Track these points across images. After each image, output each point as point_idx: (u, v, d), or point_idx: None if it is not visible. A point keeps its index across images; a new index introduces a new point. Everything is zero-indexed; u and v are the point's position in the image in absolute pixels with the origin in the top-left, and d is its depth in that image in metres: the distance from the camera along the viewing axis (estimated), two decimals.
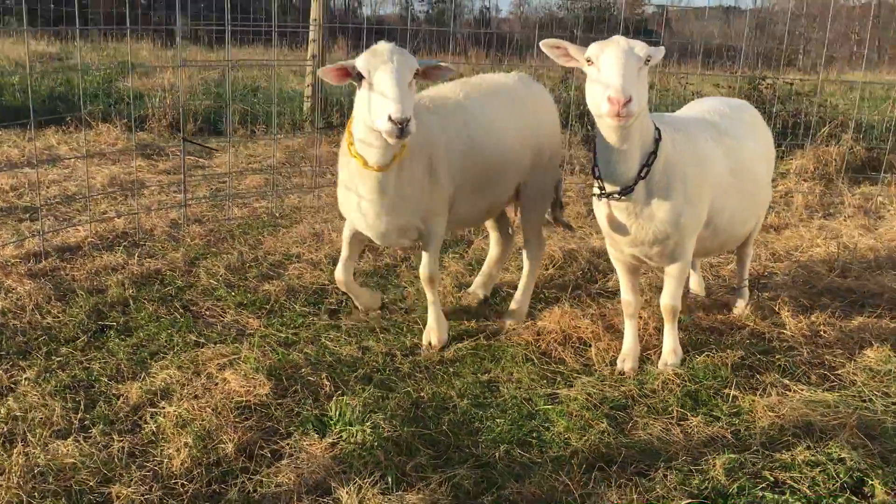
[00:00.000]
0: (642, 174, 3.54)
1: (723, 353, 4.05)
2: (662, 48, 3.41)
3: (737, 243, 4.46)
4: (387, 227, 3.95)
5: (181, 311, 4.57)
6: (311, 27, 9.36)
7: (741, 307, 4.70)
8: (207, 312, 4.59)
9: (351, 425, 3.33)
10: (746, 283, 4.80)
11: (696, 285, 5.01)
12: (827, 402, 3.60)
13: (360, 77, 3.51)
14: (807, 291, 5.06)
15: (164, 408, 3.48)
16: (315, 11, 9.22)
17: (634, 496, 2.90)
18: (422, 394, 3.71)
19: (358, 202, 3.88)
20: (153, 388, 3.65)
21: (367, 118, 3.53)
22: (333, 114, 10.04)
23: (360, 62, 3.51)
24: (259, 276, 5.12)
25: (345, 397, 3.56)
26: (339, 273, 4.31)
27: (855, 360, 4.10)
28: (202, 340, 4.19)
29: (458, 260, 5.57)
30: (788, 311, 4.63)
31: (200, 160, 8.33)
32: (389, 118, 3.34)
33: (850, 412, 3.45)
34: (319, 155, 7.66)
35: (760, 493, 2.96)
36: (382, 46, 3.54)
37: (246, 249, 5.58)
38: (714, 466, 3.11)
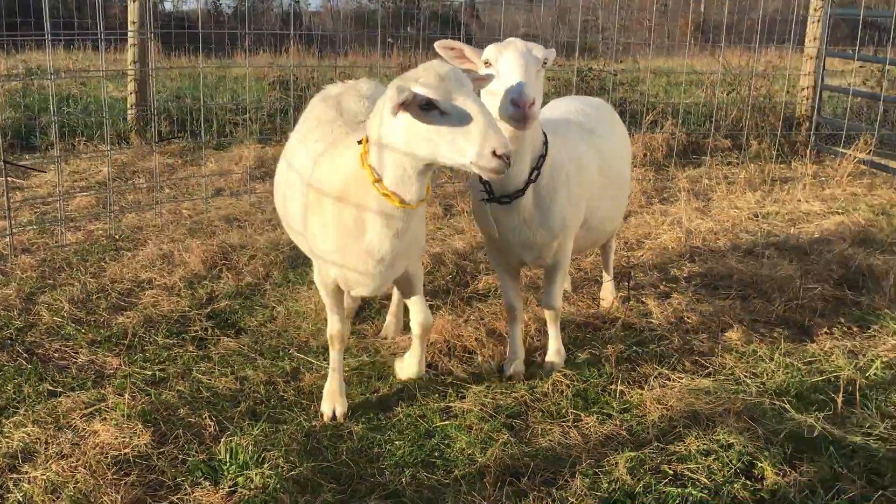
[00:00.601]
0: (532, 177, 3.54)
1: (603, 348, 4.16)
2: (553, 50, 3.42)
3: (606, 239, 4.59)
4: (384, 279, 3.34)
5: (25, 355, 4.11)
6: (130, 31, 8.76)
7: (609, 300, 4.84)
8: (56, 355, 4.16)
9: (247, 468, 3.11)
10: (612, 275, 4.95)
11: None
12: (707, 388, 3.77)
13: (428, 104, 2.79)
14: (664, 278, 5.31)
15: (27, 473, 3.09)
16: (133, 13, 8.63)
17: None
18: (314, 423, 3.53)
19: (364, 250, 3.16)
20: (10, 451, 3.24)
21: (450, 152, 2.77)
22: (162, 122, 9.47)
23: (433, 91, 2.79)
24: (109, 308, 4.70)
25: (234, 437, 3.32)
26: (337, 328, 3.63)
27: (720, 344, 4.32)
28: (57, 388, 3.78)
29: None
30: (653, 299, 4.83)
31: (17, 181, 7.58)
32: (494, 153, 2.71)
33: (731, 397, 3.62)
34: (154, 168, 7.17)
35: (664, 489, 3.04)
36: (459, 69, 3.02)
37: (88, 279, 5.11)
38: (617, 466, 3.17)
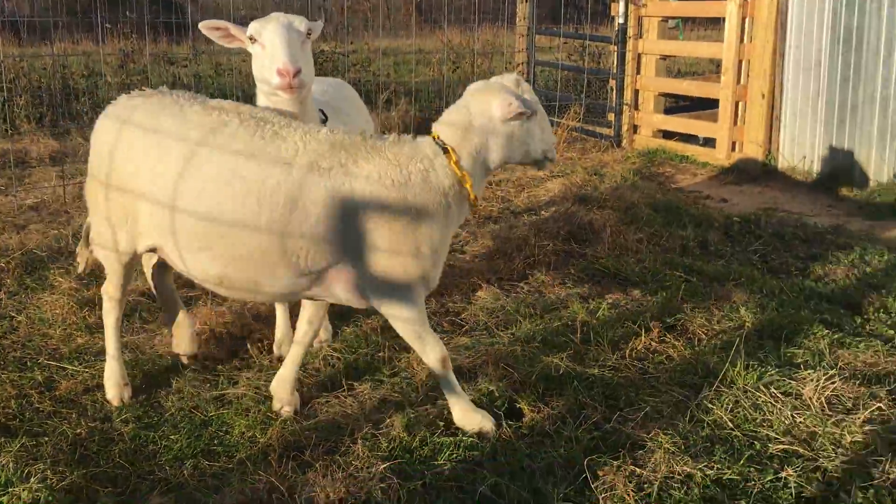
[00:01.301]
0: None
1: (367, 319, 4.32)
2: (321, 22, 3.52)
3: None
4: None
5: None
6: None
7: None
8: None
9: (11, 485, 2.90)
10: None
11: None
12: (466, 344, 4.08)
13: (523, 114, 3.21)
14: None
15: None
16: None
17: (338, 474, 3.00)
18: (79, 431, 3.35)
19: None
20: None
21: (537, 149, 3.39)
22: None
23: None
24: None
25: None
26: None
27: (473, 303, 4.67)
28: None
29: None
30: None
31: None
32: None
33: (488, 349, 3.95)
34: None
35: (439, 440, 3.28)
36: None
37: None
38: (394, 426, 3.36)
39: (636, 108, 9.70)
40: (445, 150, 3.22)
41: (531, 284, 5.02)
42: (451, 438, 3.28)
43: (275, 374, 3.79)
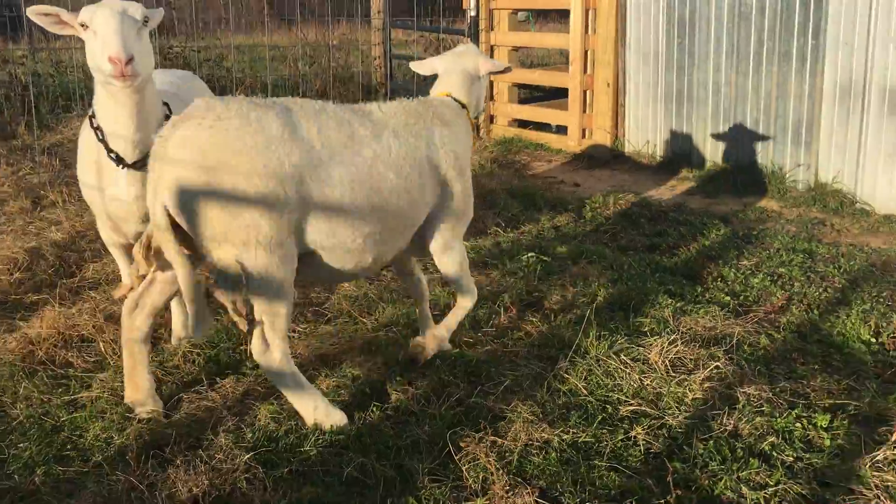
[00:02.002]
0: None
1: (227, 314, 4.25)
2: (161, 10, 3.41)
3: None
4: None
5: None
6: None
7: None
8: None
9: None
10: None
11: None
12: (330, 332, 4.08)
13: None
14: None
15: None
16: None
17: (201, 467, 2.95)
18: None
19: None
20: None
21: None
22: None
23: None
24: None
25: None
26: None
27: (336, 292, 4.68)
28: None
29: None
30: None
31: None
32: None
33: (352, 335, 3.98)
34: None
35: (304, 430, 3.28)
36: None
37: None
38: (259, 417, 3.33)
39: (492, 98, 9.94)
40: (463, 107, 3.91)
41: (393, 272, 5.07)
42: (317, 426, 3.29)
43: None
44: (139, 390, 3.38)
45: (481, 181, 7.11)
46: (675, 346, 3.91)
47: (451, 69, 3.99)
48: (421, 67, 4.14)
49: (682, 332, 4.15)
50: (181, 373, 3.72)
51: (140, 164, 3.42)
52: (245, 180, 2.94)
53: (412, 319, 4.29)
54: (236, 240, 2.97)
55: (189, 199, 2.94)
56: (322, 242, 3.19)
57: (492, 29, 9.69)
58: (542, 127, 9.65)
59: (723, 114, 7.58)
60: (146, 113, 3.37)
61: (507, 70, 4.13)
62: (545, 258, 5.34)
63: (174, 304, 4.01)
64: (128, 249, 3.84)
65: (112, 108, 3.32)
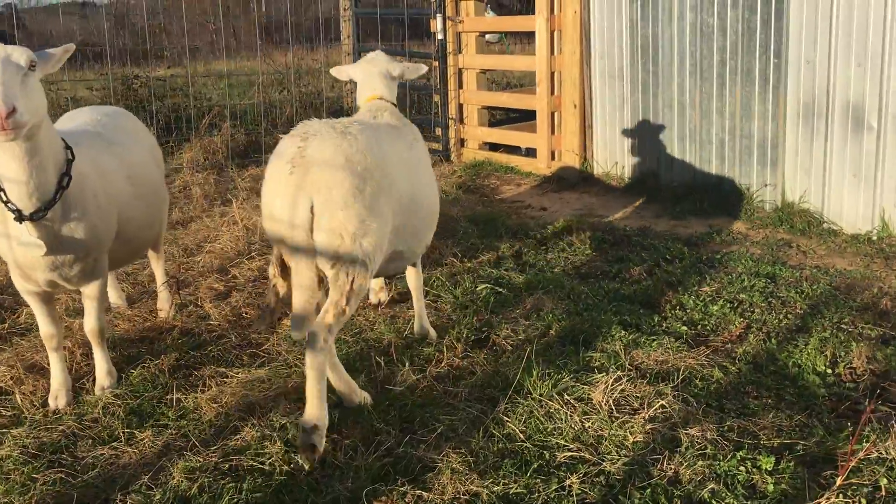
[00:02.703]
0: (64, 184, 3.35)
1: (157, 360, 4.09)
2: (51, 52, 3.26)
3: (146, 248, 4.48)
4: None
5: None
6: None
7: (166, 309, 4.77)
8: None
9: None
10: (165, 283, 4.88)
11: (116, 297, 4.92)
12: (262, 377, 3.92)
13: None
14: (224, 278, 5.37)
15: None
16: None
17: None
18: None
19: None
20: None
21: None
22: None
23: None
24: None
25: None
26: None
27: (277, 333, 4.52)
28: None
29: None
30: (211, 301, 4.86)
31: None
32: None
33: (284, 380, 3.81)
34: None
35: (220, 485, 3.10)
36: None
37: None
38: (174, 476, 3.16)
39: (461, 121, 9.83)
40: (394, 105, 4.37)
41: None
42: (234, 484, 3.11)
43: (49, 427, 3.52)
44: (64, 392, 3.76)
45: (443, 208, 6.96)
46: (621, 384, 3.76)
47: (372, 73, 4.42)
48: (339, 73, 4.60)
49: (631, 368, 4.00)
50: (99, 426, 3.55)
51: (40, 215, 3.27)
52: (378, 182, 3.42)
53: (353, 359, 4.14)
54: (369, 231, 3.35)
55: (336, 198, 3.23)
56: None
57: (459, 52, 9.59)
58: (514, 150, 9.53)
59: (689, 134, 7.46)
60: (42, 159, 3.22)
61: (423, 72, 4.60)
62: (500, 290, 5.19)
63: (98, 353, 3.84)
64: (41, 297, 3.68)
65: (2, 157, 3.17)
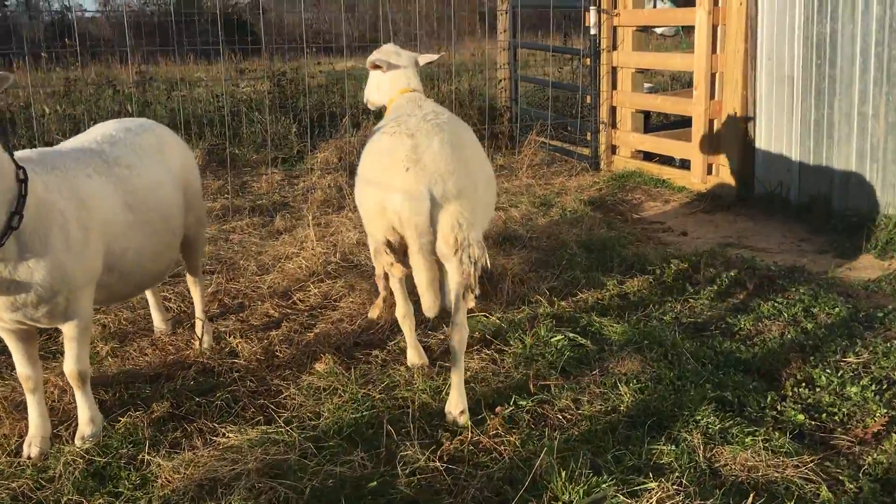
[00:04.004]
0: (14, 224, 2.99)
1: (148, 408, 3.68)
2: (9, 77, 2.94)
3: (157, 280, 4.07)
4: None
5: None
6: None
7: (203, 340, 4.38)
8: None
9: None
10: (204, 316, 4.48)
11: (160, 321, 4.61)
12: (233, 447, 3.35)
13: None
14: (282, 303, 4.94)
15: None
16: None
17: None
18: None
19: None
20: None
21: None
22: None
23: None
24: None
25: None
26: None
27: (300, 379, 3.99)
28: None
29: None
30: (253, 332, 4.43)
31: None
32: None
33: (256, 453, 3.24)
34: None
35: None
36: None
37: None
38: None
39: (614, 126, 8.87)
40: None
41: (388, 350, 4.31)
42: None
43: (7, 479, 3.19)
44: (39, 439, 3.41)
45: (555, 230, 6.15)
46: (674, 501, 2.87)
47: (406, 63, 4.46)
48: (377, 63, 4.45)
49: (707, 472, 3.09)
50: (51, 489, 3.16)
51: None
52: (481, 172, 3.73)
53: (363, 425, 3.52)
54: (484, 217, 3.83)
55: (456, 188, 3.44)
56: None
57: (614, 48, 8.62)
58: (669, 161, 8.44)
59: (870, 152, 6.10)
60: None
61: (438, 58, 4.70)
62: (583, 341, 4.36)
63: (80, 398, 3.47)
64: (17, 334, 3.35)
65: None
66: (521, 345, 4.32)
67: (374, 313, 4.66)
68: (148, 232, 3.65)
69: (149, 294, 4.52)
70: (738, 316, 4.76)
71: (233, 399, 3.78)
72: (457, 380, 3.61)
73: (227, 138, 9.44)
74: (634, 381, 3.91)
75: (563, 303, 4.97)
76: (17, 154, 3.12)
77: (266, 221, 6.90)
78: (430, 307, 3.53)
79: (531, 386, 3.86)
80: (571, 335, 4.42)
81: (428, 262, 3.45)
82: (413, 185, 3.38)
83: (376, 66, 4.44)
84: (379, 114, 4.77)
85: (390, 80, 4.39)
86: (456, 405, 3.58)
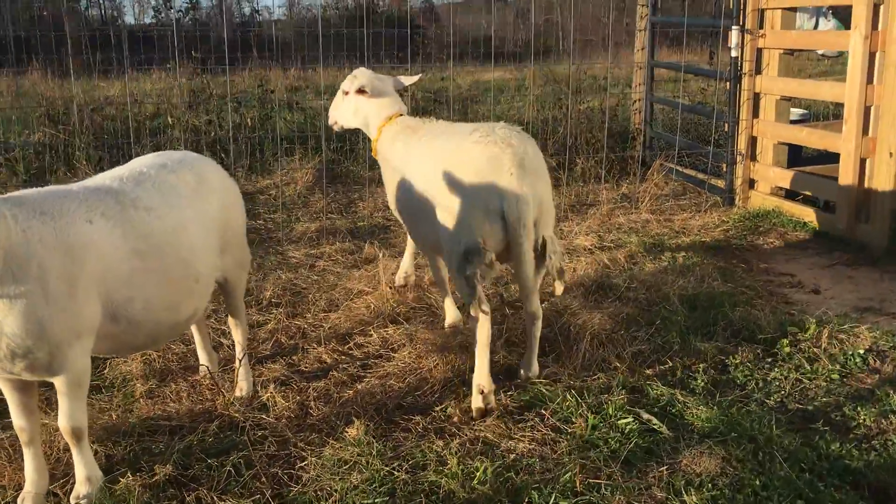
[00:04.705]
0: None
1: (152, 468, 3.40)
2: None
3: (177, 331, 3.75)
4: None
5: None
6: None
7: (242, 387, 4.10)
8: None
9: None
10: (238, 363, 4.17)
11: (205, 359, 4.36)
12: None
13: None
14: (339, 348, 4.60)
15: None
16: None
17: None
18: None
19: None
20: None
21: None
22: None
23: None
24: None
25: None
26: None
27: (326, 445, 3.61)
28: None
29: None
30: (281, 384, 4.12)
31: None
32: None
33: None
34: None
35: None
36: None
37: None
38: None
39: (754, 158, 7.98)
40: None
41: (432, 417, 3.87)
42: None
43: None
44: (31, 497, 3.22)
45: (656, 280, 5.47)
46: None
47: (392, 89, 4.81)
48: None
49: None
50: None
51: None
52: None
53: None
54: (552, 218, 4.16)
55: (546, 191, 4.00)
56: None
57: (758, 72, 7.75)
58: (813, 201, 7.47)
59: None
60: None
61: (419, 79, 5.07)
62: (657, 425, 3.74)
63: (76, 456, 3.25)
64: (12, 384, 3.16)
65: None
66: (584, 424, 3.75)
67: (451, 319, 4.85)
68: (160, 280, 3.36)
69: (194, 329, 4.29)
70: (860, 407, 3.96)
71: (245, 465, 3.46)
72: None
73: (344, 153, 9.31)
74: (709, 485, 3.28)
75: (648, 370, 4.34)
76: (3, 196, 2.92)
77: (358, 248, 6.61)
78: (560, 290, 4.13)
79: (576, 483, 3.30)
80: (646, 416, 3.81)
81: (532, 255, 3.89)
82: (525, 188, 3.76)
83: (361, 91, 4.64)
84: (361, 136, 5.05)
85: (378, 106, 4.68)
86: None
